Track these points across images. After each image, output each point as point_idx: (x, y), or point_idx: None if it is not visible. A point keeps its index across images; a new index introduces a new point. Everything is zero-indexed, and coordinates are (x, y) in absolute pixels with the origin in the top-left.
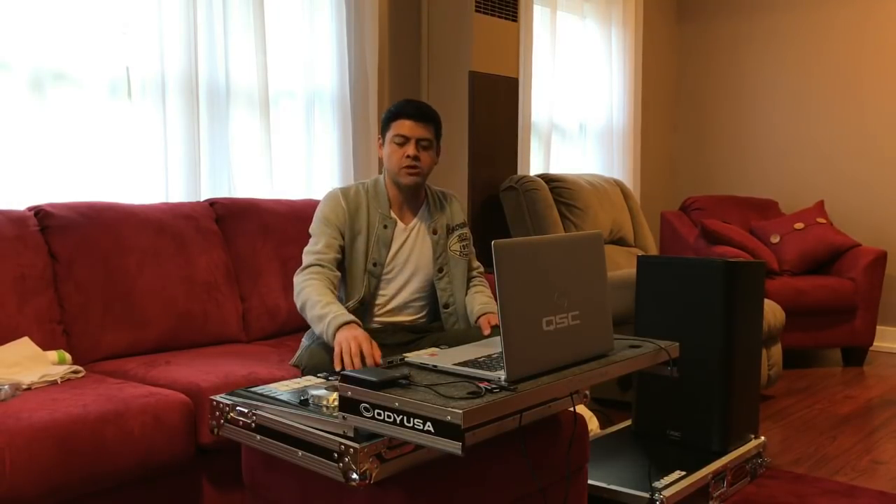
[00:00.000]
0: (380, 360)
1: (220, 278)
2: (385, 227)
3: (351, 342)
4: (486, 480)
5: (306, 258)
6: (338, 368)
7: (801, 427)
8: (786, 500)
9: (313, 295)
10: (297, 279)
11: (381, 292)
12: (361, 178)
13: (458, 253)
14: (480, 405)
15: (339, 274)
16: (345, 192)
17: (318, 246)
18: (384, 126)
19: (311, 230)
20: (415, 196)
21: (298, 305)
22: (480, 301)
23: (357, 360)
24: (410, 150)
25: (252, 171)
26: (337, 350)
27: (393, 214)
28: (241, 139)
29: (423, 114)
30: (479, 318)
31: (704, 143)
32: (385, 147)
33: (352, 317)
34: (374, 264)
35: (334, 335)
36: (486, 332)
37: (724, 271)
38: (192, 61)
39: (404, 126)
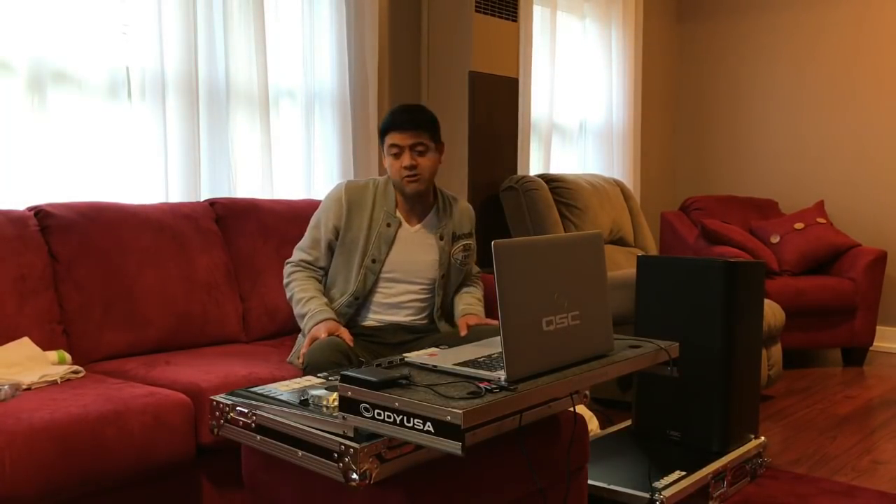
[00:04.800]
0: (349, 338)
1: (220, 278)
2: (388, 225)
3: (310, 337)
4: (487, 480)
5: (295, 254)
6: (298, 361)
7: (801, 427)
8: (786, 500)
9: (297, 291)
10: (285, 270)
11: (380, 290)
12: (361, 178)
13: (458, 262)
14: (480, 405)
15: (322, 272)
16: (351, 185)
17: (304, 243)
18: (381, 137)
19: (310, 221)
20: (422, 200)
21: (287, 296)
22: (465, 301)
23: (304, 352)
24: (406, 160)
25: (252, 171)
26: (302, 350)
27: (398, 214)
28: (241, 139)
29: (413, 121)
30: (461, 317)
31: (704, 144)
32: (385, 158)
33: (327, 313)
34: (374, 261)
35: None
36: (463, 332)
37: (724, 271)
38: (191, 61)
39: (395, 136)
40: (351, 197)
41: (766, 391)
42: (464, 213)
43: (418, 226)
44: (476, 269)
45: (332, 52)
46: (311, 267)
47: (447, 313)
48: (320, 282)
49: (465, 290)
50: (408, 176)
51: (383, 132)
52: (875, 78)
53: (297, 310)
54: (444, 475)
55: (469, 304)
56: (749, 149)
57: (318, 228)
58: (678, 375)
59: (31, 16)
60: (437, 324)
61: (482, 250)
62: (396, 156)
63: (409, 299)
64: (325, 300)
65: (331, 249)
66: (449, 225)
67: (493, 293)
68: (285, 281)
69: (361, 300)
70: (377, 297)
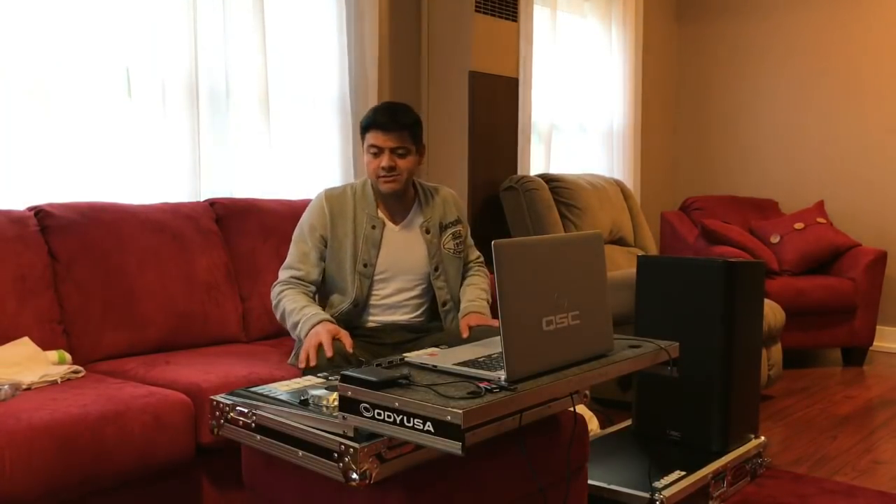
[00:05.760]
0: (349, 342)
1: (220, 278)
2: (373, 227)
3: (312, 338)
4: (487, 480)
5: (281, 273)
6: (301, 366)
7: (801, 427)
8: (786, 500)
9: (288, 304)
10: (273, 292)
11: (376, 293)
12: (339, 185)
13: (451, 251)
14: (480, 405)
15: (313, 288)
16: (330, 194)
17: (292, 259)
18: (361, 134)
19: (293, 237)
20: (402, 198)
21: (278, 317)
22: (469, 297)
23: (313, 353)
24: (384, 161)
25: (252, 171)
26: (302, 351)
27: (381, 214)
28: (241, 139)
29: (395, 122)
30: (463, 317)
31: (704, 144)
32: (364, 154)
33: (323, 315)
34: (365, 265)
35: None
36: (465, 335)
37: (724, 271)
38: (192, 61)
39: (377, 137)
40: (332, 205)
41: (766, 391)
42: (447, 200)
43: (402, 223)
44: (476, 253)
45: (333, 52)
46: (302, 282)
47: (456, 305)
48: (311, 296)
49: (468, 282)
50: (384, 176)
51: (364, 129)
52: (875, 77)
53: (289, 321)
54: (444, 475)
55: (471, 300)
56: (749, 149)
57: (304, 242)
58: (678, 375)
59: (31, 16)
60: (443, 319)
61: (482, 251)
62: (375, 155)
63: (405, 298)
64: (319, 307)
65: (322, 260)
66: (433, 217)
67: (494, 293)
68: (274, 302)
69: (361, 306)
70: (373, 300)
